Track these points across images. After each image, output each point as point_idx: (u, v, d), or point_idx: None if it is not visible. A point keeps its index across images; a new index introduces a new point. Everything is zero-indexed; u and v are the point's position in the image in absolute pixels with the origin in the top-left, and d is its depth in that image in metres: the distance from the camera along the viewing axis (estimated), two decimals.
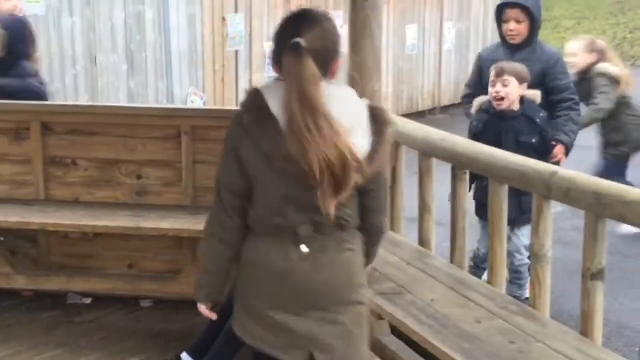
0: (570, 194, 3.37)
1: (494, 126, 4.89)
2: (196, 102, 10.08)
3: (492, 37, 15.15)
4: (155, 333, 4.68)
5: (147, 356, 4.37)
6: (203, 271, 3.01)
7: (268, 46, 10.99)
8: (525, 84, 4.92)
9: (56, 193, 5.03)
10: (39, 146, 4.96)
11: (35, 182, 5.01)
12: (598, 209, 3.24)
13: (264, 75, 10.97)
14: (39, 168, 4.99)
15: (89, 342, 4.55)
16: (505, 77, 4.84)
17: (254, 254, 2.81)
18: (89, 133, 4.96)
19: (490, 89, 4.92)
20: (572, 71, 6.12)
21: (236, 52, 10.54)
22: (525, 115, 4.86)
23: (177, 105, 9.39)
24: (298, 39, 2.59)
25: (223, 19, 10.24)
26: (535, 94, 4.97)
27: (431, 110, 13.63)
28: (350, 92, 2.80)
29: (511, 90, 4.85)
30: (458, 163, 4.03)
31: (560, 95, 5.16)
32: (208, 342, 3.98)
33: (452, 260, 4.14)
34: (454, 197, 4.11)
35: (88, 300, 5.07)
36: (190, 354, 4.02)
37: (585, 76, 6.45)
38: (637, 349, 4.80)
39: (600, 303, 3.37)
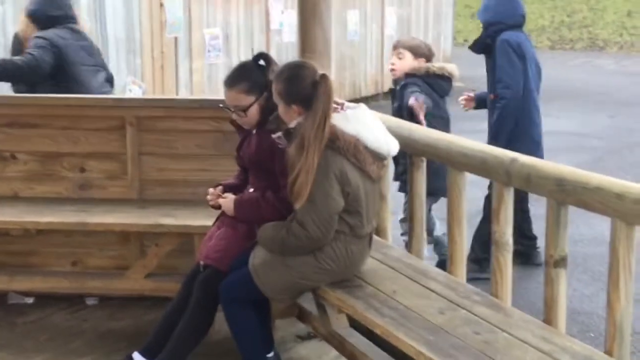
0: (531, 181, 3.30)
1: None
2: (135, 91, 9.81)
3: (433, 23, 15.20)
4: (103, 332, 4.52)
5: (95, 357, 4.21)
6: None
7: (208, 33, 10.79)
8: (422, 59, 5.29)
9: None
10: None
11: None
12: (560, 196, 3.18)
13: (204, 62, 10.78)
14: None
15: (34, 343, 4.38)
16: (400, 50, 5.31)
17: None
18: (28, 125, 4.79)
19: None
20: None
21: (175, 39, 10.32)
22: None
23: (121, 95, 9.14)
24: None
25: (161, 4, 10.00)
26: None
27: (374, 97, 13.60)
28: None
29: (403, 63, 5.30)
30: (415, 150, 3.94)
31: None
32: (160, 342, 3.85)
33: (410, 250, 4.06)
34: (412, 185, 4.02)
35: (31, 300, 4.88)
36: (142, 354, 3.87)
37: None
38: (591, 335, 4.78)
39: (564, 291, 3.32)
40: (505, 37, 5.52)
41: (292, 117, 3.52)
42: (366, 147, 3.46)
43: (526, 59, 5.54)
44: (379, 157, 3.53)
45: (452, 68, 5.36)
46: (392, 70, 5.37)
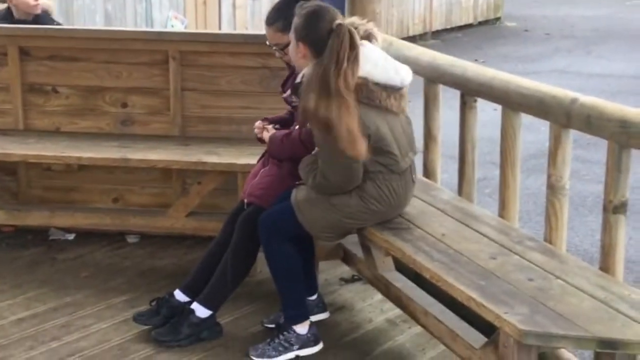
0: (592, 122, 3.14)
1: None
2: (177, 26, 9.70)
3: None
4: (143, 270, 4.48)
5: (136, 295, 4.16)
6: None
7: None
8: None
9: (36, 123, 4.80)
10: (17, 72, 4.70)
11: (14, 111, 4.76)
12: (623, 139, 3.03)
13: None
14: (17, 96, 4.74)
15: (74, 280, 4.34)
16: None
17: None
18: (70, 59, 4.71)
19: None
20: None
21: None
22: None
23: (164, 29, 9.04)
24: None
25: None
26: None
27: (422, 35, 13.32)
28: None
29: None
30: (468, 90, 3.79)
31: None
32: (201, 280, 3.78)
33: (460, 193, 3.92)
34: (463, 127, 3.87)
35: (71, 236, 4.85)
36: (184, 291, 3.80)
37: None
38: None
39: (623, 238, 3.18)
40: None
41: (296, 57, 3.42)
42: (376, 84, 3.32)
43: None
44: (393, 89, 3.37)
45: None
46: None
